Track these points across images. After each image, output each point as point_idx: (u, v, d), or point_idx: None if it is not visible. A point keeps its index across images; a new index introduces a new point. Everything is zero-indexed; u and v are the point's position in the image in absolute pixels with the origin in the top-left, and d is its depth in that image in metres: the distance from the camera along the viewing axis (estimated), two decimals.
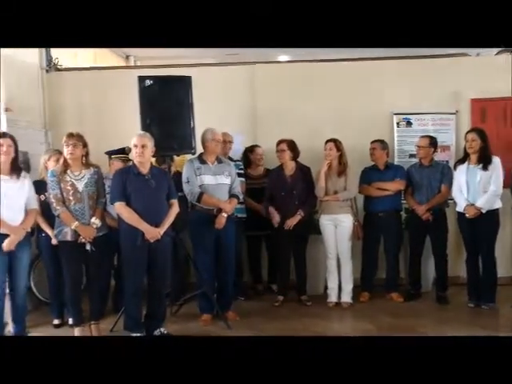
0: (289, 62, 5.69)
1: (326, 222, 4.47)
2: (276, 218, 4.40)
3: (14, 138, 3.49)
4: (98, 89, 5.12)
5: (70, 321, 4.04)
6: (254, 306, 4.59)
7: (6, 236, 3.39)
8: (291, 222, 4.37)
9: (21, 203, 3.52)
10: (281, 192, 4.42)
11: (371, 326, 3.94)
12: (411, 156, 5.02)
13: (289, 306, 4.50)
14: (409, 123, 5.12)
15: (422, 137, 4.59)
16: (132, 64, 6.79)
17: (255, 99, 5.14)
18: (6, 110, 4.12)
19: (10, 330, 3.67)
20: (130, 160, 4.39)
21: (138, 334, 3.66)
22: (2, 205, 3.38)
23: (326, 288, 4.60)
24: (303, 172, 4.49)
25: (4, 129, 3.99)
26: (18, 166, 3.55)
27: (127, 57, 6.81)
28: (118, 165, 4.31)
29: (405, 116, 5.11)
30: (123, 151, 4.40)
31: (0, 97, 4.07)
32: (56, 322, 4.21)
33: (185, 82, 3.99)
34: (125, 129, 4.54)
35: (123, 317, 3.78)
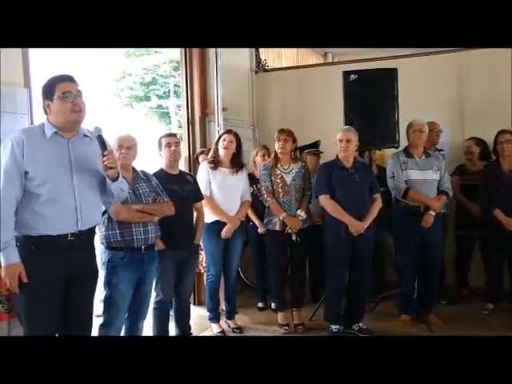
0: None
1: None
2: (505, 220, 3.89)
3: (238, 136, 3.81)
4: (300, 86, 5.30)
5: (273, 305, 4.32)
6: (458, 311, 4.25)
7: (224, 224, 3.73)
8: None
9: (237, 195, 3.83)
10: (499, 189, 3.97)
11: None
12: None
13: (501, 316, 4.05)
14: None
15: None
16: (330, 61, 6.90)
17: (463, 89, 4.73)
18: (224, 109, 4.55)
19: (222, 308, 4.07)
20: (322, 153, 4.48)
21: (337, 326, 3.72)
22: (221, 196, 3.74)
23: None
24: None
25: (222, 127, 4.43)
26: (240, 161, 3.85)
27: (325, 54, 6.95)
28: (311, 159, 4.42)
29: None
30: (315, 145, 4.50)
31: (218, 97, 4.51)
32: (260, 305, 4.52)
33: (390, 75, 3.88)
34: (326, 124, 4.66)
35: (322, 307, 3.89)
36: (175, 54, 14.48)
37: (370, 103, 3.87)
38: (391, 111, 3.88)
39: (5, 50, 2.63)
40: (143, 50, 14.35)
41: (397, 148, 3.96)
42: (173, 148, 3.28)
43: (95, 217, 2.43)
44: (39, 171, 2.20)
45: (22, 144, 2.17)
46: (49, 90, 2.25)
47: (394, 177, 3.84)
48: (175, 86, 15.15)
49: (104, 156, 2.31)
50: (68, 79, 2.27)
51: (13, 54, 2.72)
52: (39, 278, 2.18)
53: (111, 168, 2.33)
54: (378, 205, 3.67)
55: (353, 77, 3.89)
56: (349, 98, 3.91)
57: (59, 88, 2.23)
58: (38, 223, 2.20)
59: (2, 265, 2.16)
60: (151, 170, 3.32)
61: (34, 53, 2.94)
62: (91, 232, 2.42)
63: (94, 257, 2.52)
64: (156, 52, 14.62)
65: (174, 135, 3.44)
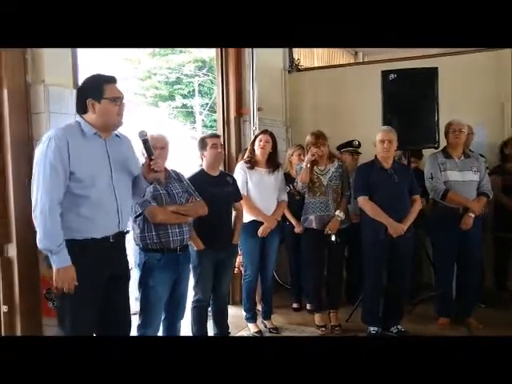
0: None
1: None
2: None
3: (274, 136, 3.80)
4: (333, 86, 5.27)
5: (308, 306, 4.30)
6: (498, 314, 4.14)
7: (261, 224, 3.72)
8: None
9: (274, 195, 3.81)
10: None
11: None
12: None
13: None
14: None
15: None
16: (360, 59, 6.84)
17: (504, 88, 4.64)
18: (259, 109, 4.55)
19: (258, 308, 4.05)
20: (360, 153, 4.43)
21: (375, 328, 3.69)
22: (258, 195, 3.73)
23: None
24: None
25: (256, 126, 4.43)
26: (276, 161, 3.84)
27: (356, 53, 6.90)
28: (346, 158, 4.38)
29: None
30: (351, 144, 4.46)
31: (254, 97, 4.51)
32: (295, 305, 4.49)
33: (430, 74, 3.84)
34: (359, 124, 4.63)
35: (359, 309, 3.86)
36: (200, 53, 14.60)
37: (409, 103, 3.85)
38: (431, 111, 3.84)
39: (54, 52, 2.67)
40: (168, 50, 14.42)
41: (436, 148, 3.90)
42: (219, 150, 3.28)
43: (129, 217, 2.47)
44: (85, 172, 2.14)
45: (67, 144, 2.10)
46: (96, 90, 2.18)
47: (432, 178, 3.77)
48: (200, 85, 15.22)
49: (151, 160, 2.32)
50: (114, 80, 2.24)
51: (62, 55, 2.75)
52: (83, 281, 2.15)
53: (156, 172, 2.35)
54: (417, 206, 3.62)
55: (392, 76, 3.86)
56: (387, 97, 3.88)
57: (108, 90, 2.19)
58: (85, 226, 2.17)
59: (55, 268, 2.11)
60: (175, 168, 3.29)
61: (82, 54, 2.97)
62: (126, 232, 2.42)
63: (127, 256, 2.51)
64: (181, 51, 14.71)
65: (219, 136, 3.45)
